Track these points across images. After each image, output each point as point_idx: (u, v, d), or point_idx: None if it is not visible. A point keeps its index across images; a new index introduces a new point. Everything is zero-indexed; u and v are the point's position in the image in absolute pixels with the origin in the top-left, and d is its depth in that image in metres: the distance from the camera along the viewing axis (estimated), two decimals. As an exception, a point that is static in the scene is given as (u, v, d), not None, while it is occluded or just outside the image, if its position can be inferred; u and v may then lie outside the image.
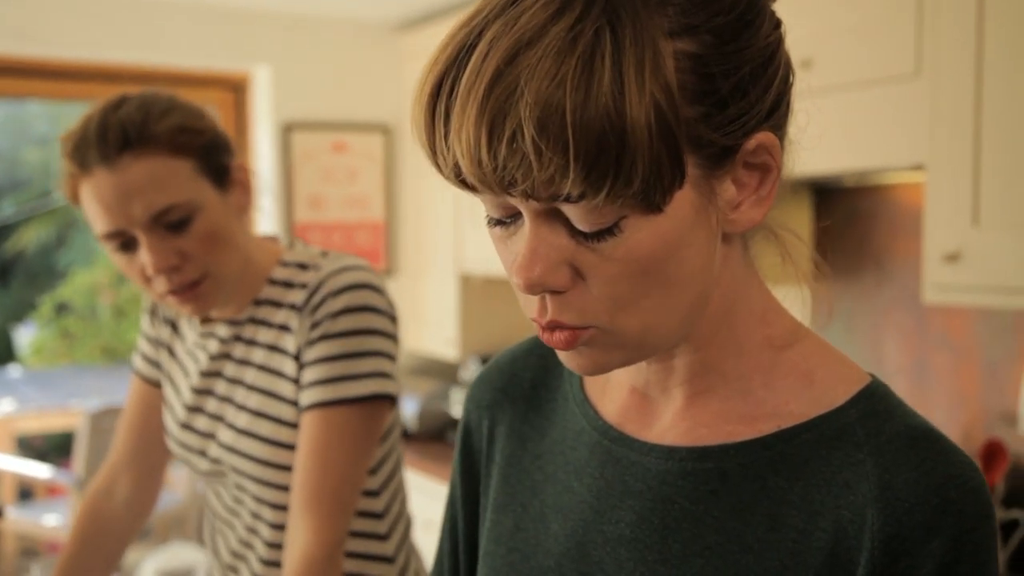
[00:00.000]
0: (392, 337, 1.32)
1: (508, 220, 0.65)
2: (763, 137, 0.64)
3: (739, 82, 0.62)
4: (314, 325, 1.29)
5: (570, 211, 0.61)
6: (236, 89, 3.83)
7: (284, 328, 1.33)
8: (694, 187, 0.62)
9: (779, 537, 0.67)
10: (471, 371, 3.61)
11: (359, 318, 1.28)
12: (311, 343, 1.29)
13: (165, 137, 1.23)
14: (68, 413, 5.94)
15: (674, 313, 0.66)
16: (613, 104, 0.56)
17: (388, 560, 1.39)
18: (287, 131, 3.71)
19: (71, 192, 1.26)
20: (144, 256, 1.24)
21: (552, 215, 0.62)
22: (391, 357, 1.31)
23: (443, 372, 4.01)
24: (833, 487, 0.66)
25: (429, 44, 3.69)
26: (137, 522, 1.52)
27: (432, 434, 3.64)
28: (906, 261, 2.45)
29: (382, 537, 1.39)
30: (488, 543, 0.82)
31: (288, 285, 1.35)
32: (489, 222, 0.67)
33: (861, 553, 0.64)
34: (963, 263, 1.94)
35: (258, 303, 1.37)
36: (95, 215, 1.23)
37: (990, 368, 2.29)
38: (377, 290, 1.31)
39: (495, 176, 0.59)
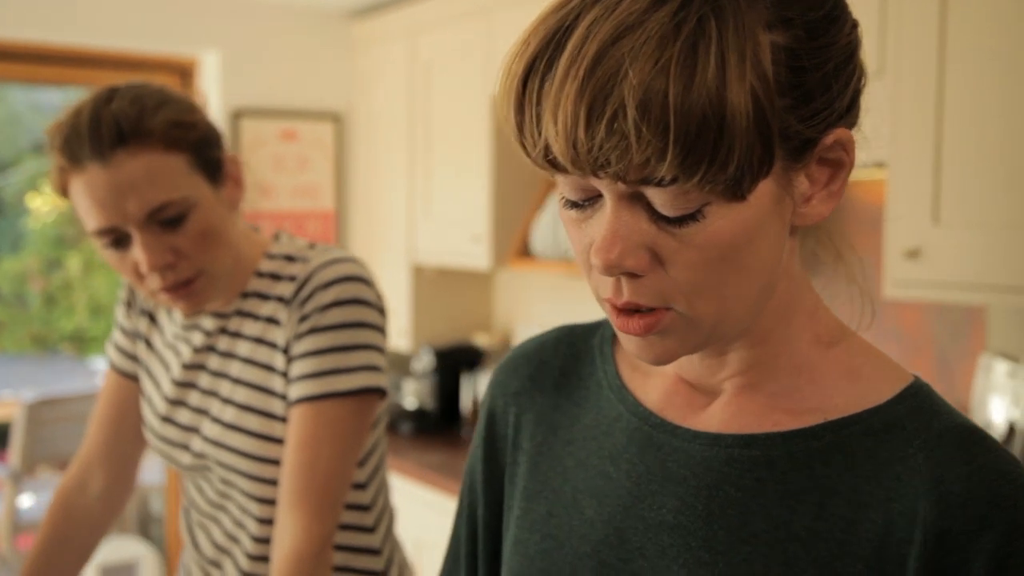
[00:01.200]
0: (381, 330, 1.31)
1: (584, 203, 0.66)
2: (840, 133, 0.66)
3: (824, 76, 0.64)
4: (303, 318, 1.27)
5: (656, 195, 0.62)
6: (183, 74, 3.75)
7: (272, 321, 1.31)
8: (775, 178, 0.64)
9: (827, 526, 0.68)
10: (423, 362, 3.59)
11: (349, 311, 1.27)
12: (300, 336, 1.27)
13: (160, 132, 1.19)
14: (-1, 403, 5.78)
15: (746, 301, 0.68)
16: (716, 91, 0.58)
17: (375, 552, 1.38)
18: (236, 118, 3.65)
19: (60, 186, 1.22)
20: (138, 253, 1.21)
21: (634, 199, 0.63)
22: (380, 350, 1.30)
23: (395, 363, 3.98)
24: (883, 480, 0.67)
25: (382, 32, 3.66)
26: (111, 515, 1.48)
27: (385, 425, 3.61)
28: (865, 256, 2.50)
29: (369, 529, 1.38)
30: (519, 531, 0.82)
31: (275, 277, 1.33)
32: (564, 204, 0.67)
33: (912, 546, 0.65)
34: (923, 259, 1.98)
35: (245, 296, 1.34)
36: (87, 211, 1.20)
37: (942, 361, 2.35)
38: (367, 283, 1.30)
39: (589, 157, 0.60)
